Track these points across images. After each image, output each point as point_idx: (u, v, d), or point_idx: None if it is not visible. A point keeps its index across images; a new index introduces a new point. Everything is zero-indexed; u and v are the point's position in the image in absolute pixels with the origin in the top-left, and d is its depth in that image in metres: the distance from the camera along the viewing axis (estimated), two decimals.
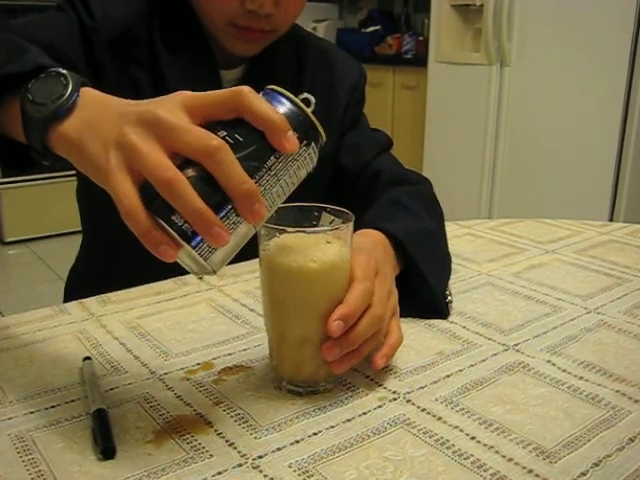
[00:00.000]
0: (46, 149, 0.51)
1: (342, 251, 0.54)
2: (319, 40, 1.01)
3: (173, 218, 0.44)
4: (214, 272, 0.47)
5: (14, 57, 0.55)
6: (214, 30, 0.83)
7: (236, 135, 0.46)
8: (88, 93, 0.51)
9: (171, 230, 0.44)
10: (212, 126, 0.46)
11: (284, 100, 0.48)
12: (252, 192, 0.45)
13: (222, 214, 0.45)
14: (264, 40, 0.84)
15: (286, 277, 0.54)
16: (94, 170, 0.47)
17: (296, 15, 0.85)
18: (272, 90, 0.49)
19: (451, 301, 0.74)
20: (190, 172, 0.44)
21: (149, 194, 0.44)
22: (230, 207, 0.45)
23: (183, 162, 0.45)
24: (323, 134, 0.50)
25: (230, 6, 0.79)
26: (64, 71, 0.52)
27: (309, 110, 0.49)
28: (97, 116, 0.49)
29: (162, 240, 0.44)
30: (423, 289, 0.72)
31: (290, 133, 0.47)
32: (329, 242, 0.54)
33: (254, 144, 0.46)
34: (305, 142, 0.48)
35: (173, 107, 0.46)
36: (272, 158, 0.47)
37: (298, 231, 0.54)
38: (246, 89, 0.47)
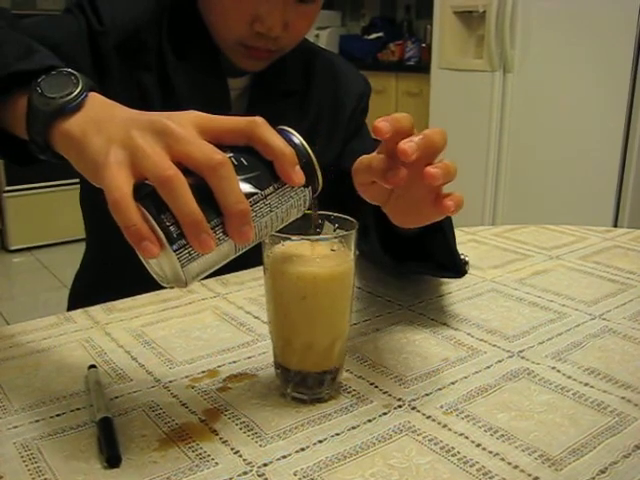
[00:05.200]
0: (47, 143, 0.51)
1: (347, 258, 0.54)
2: (325, 51, 1.02)
3: (162, 217, 0.44)
4: (186, 284, 0.47)
5: (25, 55, 0.55)
6: (222, 46, 0.85)
7: (241, 159, 0.47)
8: (97, 97, 0.52)
9: (158, 228, 0.44)
10: (220, 147, 0.46)
11: (294, 139, 0.50)
12: (245, 212, 0.45)
13: (209, 227, 0.45)
14: (270, 58, 0.86)
15: (291, 284, 0.54)
16: (92, 167, 0.47)
17: (303, 35, 0.86)
18: (284, 129, 0.50)
19: (467, 262, 0.75)
20: (188, 181, 0.45)
21: (143, 191, 0.44)
22: (218, 222, 0.45)
23: (184, 172, 0.45)
24: (321, 184, 0.51)
25: (239, 27, 0.80)
26: (75, 72, 0.53)
27: (314, 156, 0.50)
28: (104, 118, 0.49)
29: (147, 235, 0.43)
30: (442, 245, 0.72)
31: (297, 167, 0.48)
32: (333, 250, 0.54)
33: (257, 170, 0.47)
34: (305, 183, 0.49)
35: (185, 122, 0.47)
36: (271, 188, 0.48)
37: (302, 239, 0.54)
38: (260, 120, 0.48)
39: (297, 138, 0.50)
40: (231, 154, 0.47)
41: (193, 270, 0.46)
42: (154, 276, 0.48)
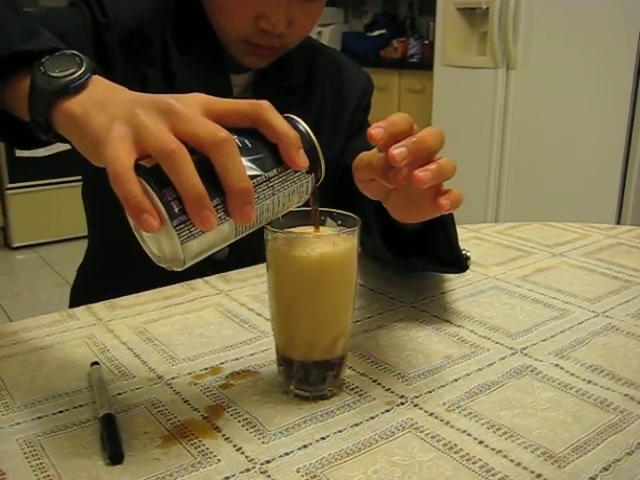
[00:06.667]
0: (48, 124, 0.51)
1: (350, 251, 0.54)
2: (328, 49, 1.02)
3: (164, 191, 0.44)
4: (184, 263, 0.46)
5: (29, 37, 0.55)
6: (226, 43, 0.85)
7: (246, 141, 0.47)
8: (100, 79, 0.52)
9: (159, 202, 0.43)
10: (225, 128, 0.46)
11: (300, 126, 0.50)
12: (247, 191, 0.45)
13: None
14: (274, 55, 0.86)
15: (293, 278, 0.54)
16: (93, 144, 0.47)
17: (307, 33, 0.86)
18: (291, 117, 0.51)
19: (469, 257, 0.75)
20: (192, 158, 0.44)
21: (146, 166, 0.44)
22: (220, 201, 0.45)
23: (188, 152, 0.45)
24: (323, 172, 0.52)
25: (244, 24, 0.80)
26: (79, 53, 0.52)
27: (318, 144, 0.51)
28: (108, 99, 0.49)
29: (147, 208, 0.43)
30: (443, 240, 0.72)
31: (301, 151, 0.48)
32: (336, 245, 0.54)
33: (261, 153, 0.48)
34: (307, 170, 0.50)
35: (190, 103, 0.47)
36: (274, 170, 0.48)
37: (305, 234, 0.54)
38: (265, 103, 0.48)
39: (302, 126, 0.51)
40: (235, 136, 0.46)
41: (192, 249, 0.45)
42: (150, 256, 0.48)
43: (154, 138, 0.44)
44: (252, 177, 0.46)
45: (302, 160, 0.48)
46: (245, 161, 0.46)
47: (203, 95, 0.48)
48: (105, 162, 0.44)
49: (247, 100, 0.48)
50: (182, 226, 0.44)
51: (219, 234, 0.46)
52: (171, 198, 0.44)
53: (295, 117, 0.51)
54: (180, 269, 0.47)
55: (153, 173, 0.44)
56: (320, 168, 0.51)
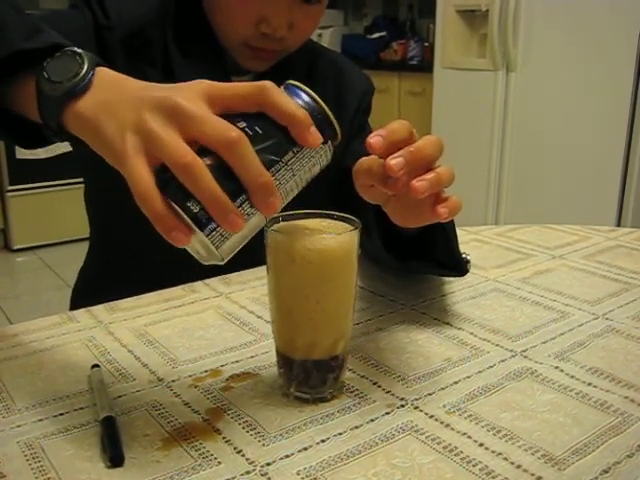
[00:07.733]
0: (61, 127, 0.51)
1: (350, 246, 0.54)
2: (329, 51, 1.03)
3: (188, 204, 0.45)
4: (222, 260, 0.48)
5: (31, 35, 0.55)
6: (227, 46, 0.85)
7: (256, 128, 0.47)
8: (104, 73, 0.52)
9: (185, 216, 0.45)
10: (232, 117, 0.46)
11: (304, 95, 0.50)
12: (268, 185, 0.45)
13: (236, 204, 0.45)
14: (275, 58, 0.86)
15: (294, 275, 0.53)
16: (109, 152, 0.48)
17: (308, 36, 0.87)
18: (292, 85, 0.50)
19: (469, 261, 0.75)
20: (207, 161, 0.45)
21: (164, 178, 0.45)
22: (244, 198, 0.46)
23: (200, 151, 0.45)
24: (339, 132, 0.51)
25: (245, 28, 0.80)
26: (80, 50, 0.53)
27: (326, 108, 0.50)
28: (114, 97, 0.49)
29: (175, 225, 0.44)
30: (443, 244, 0.72)
31: (313, 128, 0.48)
32: (337, 240, 0.54)
33: (273, 138, 0.47)
34: (322, 139, 0.49)
35: (194, 95, 0.47)
36: (290, 153, 0.48)
37: (306, 230, 0.54)
38: (269, 84, 0.47)
39: (306, 94, 0.50)
40: (244, 124, 0.47)
41: (227, 248, 0.47)
42: (194, 255, 0.49)
43: (170, 150, 0.44)
44: (270, 166, 0.46)
45: (315, 138, 0.48)
46: (259, 151, 0.46)
47: (207, 83, 0.48)
48: (126, 178, 0.45)
49: (249, 83, 0.48)
50: (213, 233, 0.45)
51: (250, 227, 0.47)
52: (196, 210, 0.45)
53: (297, 84, 0.50)
54: (222, 263, 0.48)
55: (175, 187, 0.44)
56: (335, 132, 0.50)
